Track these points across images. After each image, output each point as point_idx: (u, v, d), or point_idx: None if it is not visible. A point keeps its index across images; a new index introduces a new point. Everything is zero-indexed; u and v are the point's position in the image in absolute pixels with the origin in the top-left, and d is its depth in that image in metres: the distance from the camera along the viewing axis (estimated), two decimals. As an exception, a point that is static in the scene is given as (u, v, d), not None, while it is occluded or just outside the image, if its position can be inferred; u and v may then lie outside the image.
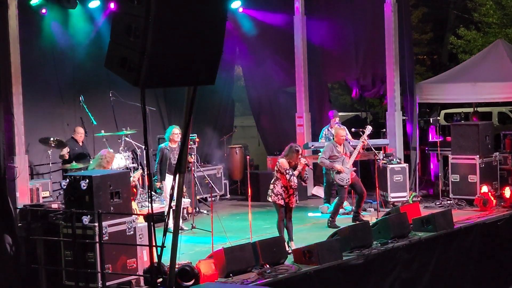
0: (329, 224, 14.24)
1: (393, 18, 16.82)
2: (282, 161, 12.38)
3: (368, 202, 15.55)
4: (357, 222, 13.72)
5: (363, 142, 14.70)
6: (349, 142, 14.99)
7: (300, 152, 12.52)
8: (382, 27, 17.03)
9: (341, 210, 14.81)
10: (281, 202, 12.33)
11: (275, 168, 12.46)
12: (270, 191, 12.39)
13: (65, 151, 14.95)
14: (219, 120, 18.99)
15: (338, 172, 14.29)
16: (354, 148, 14.67)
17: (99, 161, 12.22)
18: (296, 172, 12.35)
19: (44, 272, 10.63)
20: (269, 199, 12.43)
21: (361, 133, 14.96)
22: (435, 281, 13.06)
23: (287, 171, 12.27)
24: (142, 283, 10.59)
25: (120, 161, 15.09)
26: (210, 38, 6.77)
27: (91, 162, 13.45)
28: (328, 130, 16.35)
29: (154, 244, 8.02)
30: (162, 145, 14.31)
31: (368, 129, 14.76)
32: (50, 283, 10.60)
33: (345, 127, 15.67)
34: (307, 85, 18.12)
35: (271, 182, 12.45)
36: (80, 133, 15.34)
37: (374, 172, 15.30)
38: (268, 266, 11.17)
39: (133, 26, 6.55)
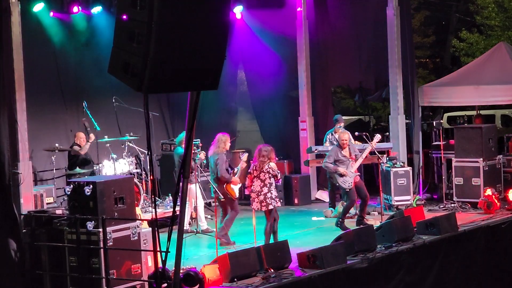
0: (338, 224, 14.10)
1: (395, 22, 16.82)
2: (274, 165, 12.55)
3: (372, 206, 15.52)
4: (361, 226, 13.71)
5: (370, 148, 14.65)
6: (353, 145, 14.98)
7: None
8: (384, 30, 17.04)
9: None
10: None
11: (267, 175, 12.58)
12: (268, 199, 12.47)
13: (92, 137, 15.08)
14: (222, 125, 18.96)
15: (341, 175, 14.26)
16: (360, 151, 14.62)
17: (219, 146, 13.12)
18: None
19: (48, 278, 10.64)
20: (269, 207, 12.46)
21: (364, 136, 14.92)
22: (439, 285, 13.03)
23: (279, 171, 12.50)
24: (146, 288, 10.61)
25: (123, 166, 15.10)
26: (213, 43, 6.78)
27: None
28: (332, 134, 16.31)
29: (158, 249, 8.02)
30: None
31: (377, 137, 14.77)
32: (54, 289, 10.62)
33: (348, 133, 15.67)
34: (310, 89, 18.12)
35: (263, 192, 12.56)
36: (82, 138, 15.34)
37: (378, 176, 15.28)
38: (272, 270, 11.17)
39: (136, 32, 6.56)
